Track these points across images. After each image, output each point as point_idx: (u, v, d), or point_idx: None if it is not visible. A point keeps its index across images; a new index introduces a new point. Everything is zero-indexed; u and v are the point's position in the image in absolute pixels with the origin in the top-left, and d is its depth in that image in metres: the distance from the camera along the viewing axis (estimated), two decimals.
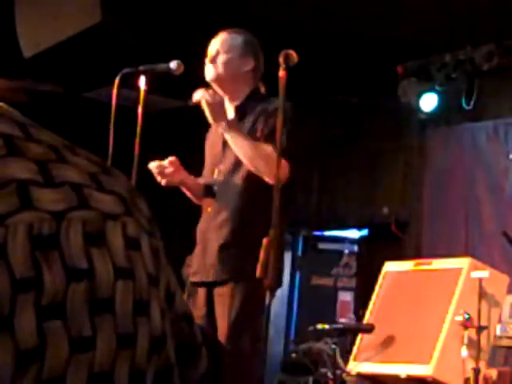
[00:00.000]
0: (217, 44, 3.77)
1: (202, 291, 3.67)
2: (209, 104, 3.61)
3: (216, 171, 3.77)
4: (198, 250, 3.76)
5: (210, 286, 3.63)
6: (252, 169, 3.58)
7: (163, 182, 3.75)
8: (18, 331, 0.60)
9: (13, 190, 0.63)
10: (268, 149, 3.54)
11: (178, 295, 0.74)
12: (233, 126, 3.63)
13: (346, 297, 8.44)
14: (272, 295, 3.11)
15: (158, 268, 0.69)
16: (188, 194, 3.94)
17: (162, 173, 3.73)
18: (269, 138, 3.56)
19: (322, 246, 8.55)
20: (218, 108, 3.64)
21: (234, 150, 3.62)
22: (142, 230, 0.69)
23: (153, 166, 3.73)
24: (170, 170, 3.74)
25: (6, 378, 0.59)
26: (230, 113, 3.76)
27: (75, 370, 0.61)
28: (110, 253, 0.65)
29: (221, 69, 3.72)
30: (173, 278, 0.73)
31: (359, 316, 5.25)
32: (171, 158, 3.77)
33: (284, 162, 3.47)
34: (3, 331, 0.59)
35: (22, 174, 0.64)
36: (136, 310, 0.65)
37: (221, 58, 3.74)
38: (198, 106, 3.63)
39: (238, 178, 3.66)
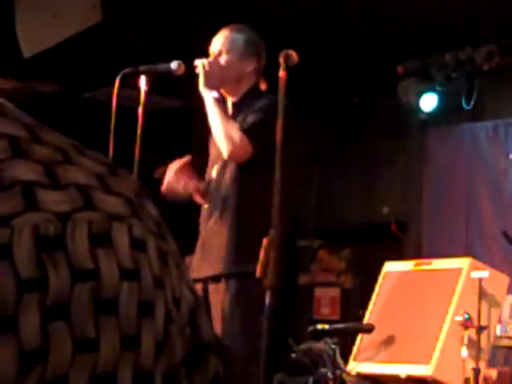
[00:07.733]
0: (219, 43, 3.76)
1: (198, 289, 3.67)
2: (204, 68, 3.65)
3: (214, 169, 3.78)
4: (197, 246, 3.77)
5: (205, 283, 3.63)
6: (217, 143, 3.63)
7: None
8: (22, 332, 0.60)
9: (18, 192, 0.63)
10: (234, 128, 3.58)
11: (184, 301, 0.73)
12: (217, 102, 3.67)
13: (320, 292, 8.45)
14: (273, 295, 3.10)
15: (164, 271, 0.69)
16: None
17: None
18: (247, 131, 3.59)
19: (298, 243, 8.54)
20: (211, 76, 3.67)
21: (209, 122, 3.67)
22: (149, 232, 0.69)
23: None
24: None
25: (9, 378, 0.59)
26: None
27: (78, 371, 0.61)
28: (116, 254, 0.64)
29: (223, 70, 3.71)
30: (180, 283, 0.72)
31: (359, 316, 5.24)
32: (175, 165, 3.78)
33: (245, 140, 3.53)
34: (7, 332, 0.59)
35: (27, 175, 0.64)
36: (141, 312, 0.65)
37: (223, 59, 3.73)
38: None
39: (231, 175, 3.66)
